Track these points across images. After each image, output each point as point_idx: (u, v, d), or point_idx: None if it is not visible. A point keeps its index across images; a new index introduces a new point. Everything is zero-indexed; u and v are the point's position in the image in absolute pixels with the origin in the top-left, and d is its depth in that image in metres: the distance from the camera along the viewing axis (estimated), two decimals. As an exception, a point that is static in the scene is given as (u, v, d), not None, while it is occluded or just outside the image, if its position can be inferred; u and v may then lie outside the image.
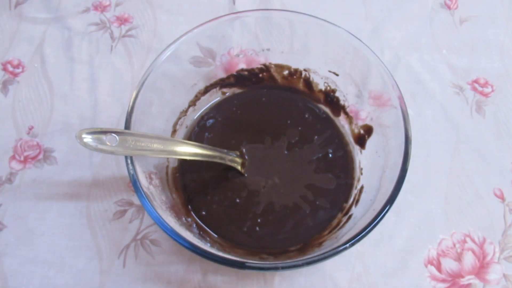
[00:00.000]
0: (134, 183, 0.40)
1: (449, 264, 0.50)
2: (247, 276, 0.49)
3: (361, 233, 0.38)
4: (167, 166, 0.52)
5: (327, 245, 0.43)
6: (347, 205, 0.50)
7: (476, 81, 0.62)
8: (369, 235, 0.38)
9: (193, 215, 0.50)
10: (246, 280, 0.49)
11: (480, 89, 0.62)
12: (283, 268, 0.37)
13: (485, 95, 0.61)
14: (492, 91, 0.62)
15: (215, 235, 0.49)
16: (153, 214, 0.39)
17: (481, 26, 0.67)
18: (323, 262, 0.37)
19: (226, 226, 0.49)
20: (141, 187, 0.40)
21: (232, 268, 0.39)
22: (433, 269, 0.50)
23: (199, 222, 0.50)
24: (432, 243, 0.51)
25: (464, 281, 0.49)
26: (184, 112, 0.54)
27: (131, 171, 0.40)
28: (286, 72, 0.57)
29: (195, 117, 0.56)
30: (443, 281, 0.49)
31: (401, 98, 0.45)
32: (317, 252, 0.39)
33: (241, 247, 0.48)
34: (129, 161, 0.41)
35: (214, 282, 0.49)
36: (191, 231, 0.45)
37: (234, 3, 0.68)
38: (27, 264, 0.50)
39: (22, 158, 0.56)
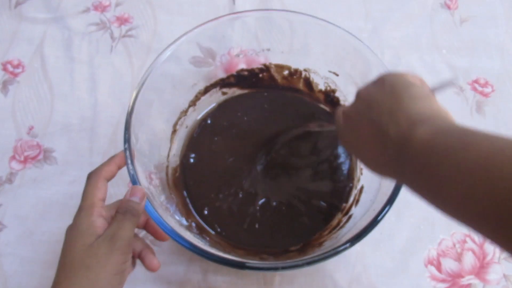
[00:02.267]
0: (134, 183, 0.40)
1: (449, 264, 0.50)
2: (247, 276, 0.49)
3: (361, 233, 0.38)
4: (167, 166, 0.52)
5: (327, 245, 0.43)
6: (347, 205, 0.50)
7: (476, 81, 0.62)
8: (369, 235, 0.38)
9: (193, 215, 0.50)
10: (246, 280, 0.49)
11: (480, 89, 0.62)
12: (283, 268, 0.37)
13: (485, 95, 0.61)
14: (492, 91, 0.62)
15: (215, 235, 0.49)
16: (153, 214, 0.39)
17: (481, 26, 0.67)
18: (323, 262, 0.37)
19: (226, 226, 0.49)
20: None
21: (232, 268, 0.39)
22: (433, 269, 0.50)
23: (199, 222, 0.50)
24: (432, 243, 0.51)
25: (464, 281, 0.49)
26: (184, 112, 0.54)
27: (131, 171, 0.40)
28: (286, 72, 0.57)
29: (197, 118, 0.56)
30: (443, 281, 0.49)
31: (401, 98, 0.44)
32: (317, 252, 0.39)
33: (241, 247, 0.48)
34: (129, 161, 0.41)
35: (214, 282, 0.49)
36: (191, 231, 0.45)
37: (234, 3, 0.68)
38: (27, 264, 0.50)
39: (22, 158, 0.56)
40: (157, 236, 0.42)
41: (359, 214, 0.45)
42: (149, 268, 0.40)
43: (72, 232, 0.37)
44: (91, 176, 0.39)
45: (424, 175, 0.28)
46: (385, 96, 0.32)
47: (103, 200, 0.39)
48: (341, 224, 0.47)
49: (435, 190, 0.27)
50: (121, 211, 0.37)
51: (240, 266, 0.38)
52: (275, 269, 0.38)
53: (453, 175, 0.25)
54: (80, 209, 0.38)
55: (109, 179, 0.40)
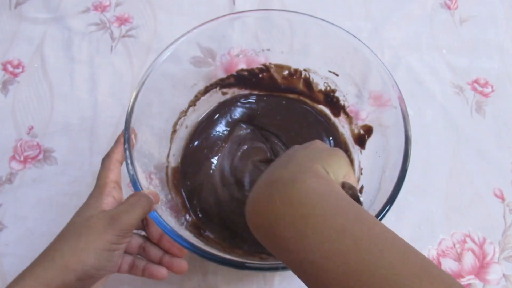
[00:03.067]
0: (134, 183, 0.40)
1: (449, 264, 0.50)
2: (247, 276, 0.49)
3: (361, 233, 0.38)
4: (167, 167, 0.52)
5: (327, 245, 0.43)
6: (347, 205, 0.49)
7: (476, 81, 0.62)
8: (369, 235, 0.38)
9: (193, 215, 0.50)
10: (246, 280, 0.49)
11: (480, 89, 0.62)
12: (283, 268, 0.37)
13: (485, 95, 0.61)
14: (492, 91, 0.62)
15: (215, 236, 0.49)
16: (153, 214, 0.39)
17: (481, 26, 0.67)
18: (323, 262, 0.37)
19: (226, 226, 0.49)
20: (141, 187, 0.40)
21: (232, 268, 0.39)
22: (433, 269, 0.50)
23: (199, 222, 0.50)
24: (432, 243, 0.51)
25: (464, 281, 0.49)
26: (184, 112, 0.54)
27: (131, 171, 0.40)
28: (286, 72, 0.57)
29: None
30: (443, 281, 0.49)
31: (401, 98, 0.45)
32: (317, 252, 0.39)
33: (241, 248, 0.48)
34: (129, 161, 0.41)
35: (214, 282, 0.49)
36: (191, 231, 0.45)
37: (234, 3, 0.68)
38: (27, 264, 0.49)
39: (22, 158, 0.56)
40: (173, 251, 0.42)
41: (359, 214, 0.45)
42: (179, 272, 0.41)
43: (81, 207, 0.38)
44: (104, 160, 0.41)
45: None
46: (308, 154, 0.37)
47: (116, 182, 0.40)
48: (341, 224, 0.47)
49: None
50: (137, 195, 0.38)
51: (240, 266, 0.38)
52: (275, 269, 0.38)
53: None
54: (93, 189, 0.39)
55: (121, 160, 0.41)
